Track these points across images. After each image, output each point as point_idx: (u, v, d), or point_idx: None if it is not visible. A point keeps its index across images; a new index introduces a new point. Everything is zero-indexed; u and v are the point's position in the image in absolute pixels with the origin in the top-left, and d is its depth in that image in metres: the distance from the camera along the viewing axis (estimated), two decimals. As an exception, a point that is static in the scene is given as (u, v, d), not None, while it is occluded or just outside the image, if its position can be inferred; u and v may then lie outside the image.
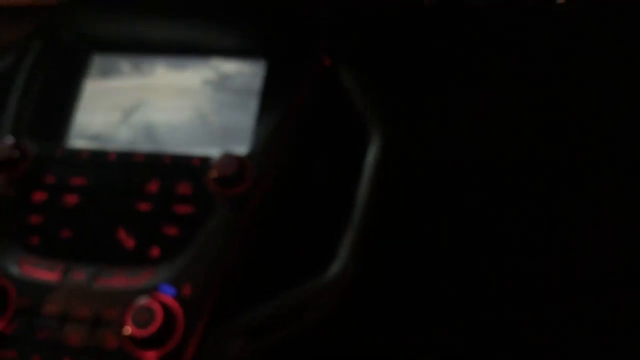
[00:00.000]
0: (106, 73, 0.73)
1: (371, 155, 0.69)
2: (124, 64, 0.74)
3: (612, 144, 0.76)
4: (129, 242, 0.65)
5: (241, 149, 0.68)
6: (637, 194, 0.75)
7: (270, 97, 0.71)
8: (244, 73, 0.72)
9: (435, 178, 0.76)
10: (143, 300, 0.61)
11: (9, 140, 0.68)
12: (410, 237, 0.75)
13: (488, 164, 0.77)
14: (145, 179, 0.67)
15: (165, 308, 0.61)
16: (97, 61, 0.74)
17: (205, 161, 0.67)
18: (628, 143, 0.76)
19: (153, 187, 0.67)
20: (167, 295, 0.62)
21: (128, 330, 0.60)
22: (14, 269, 0.65)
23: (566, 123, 0.76)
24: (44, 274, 0.64)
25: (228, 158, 0.65)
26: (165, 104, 0.72)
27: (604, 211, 0.76)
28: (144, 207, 0.66)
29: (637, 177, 0.75)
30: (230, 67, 0.73)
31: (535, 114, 0.77)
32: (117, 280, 0.63)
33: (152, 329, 0.60)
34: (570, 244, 0.76)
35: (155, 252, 0.65)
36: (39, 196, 0.68)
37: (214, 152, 0.68)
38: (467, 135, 0.76)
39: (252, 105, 0.70)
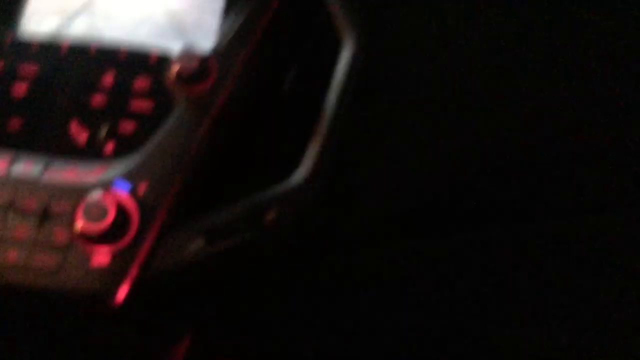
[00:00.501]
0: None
1: (341, 62, 0.66)
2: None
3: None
4: (82, 136, 0.62)
5: (205, 45, 0.64)
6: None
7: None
8: None
9: (403, 89, 0.73)
10: (96, 195, 0.58)
11: None
12: (375, 146, 0.73)
13: (460, 79, 0.75)
14: (100, 72, 0.63)
15: (119, 203, 0.58)
16: None
17: (165, 56, 0.64)
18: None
19: (108, 80, 0.63)
20: (122, 191, 0.59)
21: (79, 224, 0.57)
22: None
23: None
24: None
25: (189, 53, 0.62)
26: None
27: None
28: (98, 100, 0.62)
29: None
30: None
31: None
32: (69, 174, 0.60)
33: (105, 223, 0.57)
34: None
35: (109, 147, 0.61)
36: (-15, 83, 0.63)
37: (175, 47, 0.64)
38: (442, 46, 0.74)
39: (217, 3, 0.67)
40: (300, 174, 0.62)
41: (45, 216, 0.58)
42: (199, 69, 0.61)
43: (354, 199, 0.72)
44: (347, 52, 0.67)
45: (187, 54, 0.61)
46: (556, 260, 0.70)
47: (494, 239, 0.71)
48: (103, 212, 0.57)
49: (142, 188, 0.59)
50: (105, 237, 0.57)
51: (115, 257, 0.57)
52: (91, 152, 0.61)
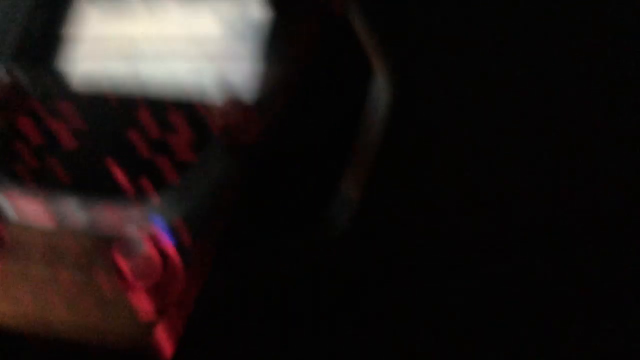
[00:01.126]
0: (105, 10, 0.70)
1: (376, 99, 0.67)
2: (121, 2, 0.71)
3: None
4: (124, 178, 0.63)
5: (244, 94, 0.65)
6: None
7: (276, 40, 0.68)
8: (250, 15, 0.69)
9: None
10: (139, 241, 0.59)
11: (2, 71, 0.65)
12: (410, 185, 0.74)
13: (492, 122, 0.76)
14: (142, 115, 0.65)
15: (161, 249, 0.59)
16: None
17: (206, 105, 0.65)
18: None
19: (149, 123, 0.64)
20: (164, 236, 0.60)
21: (123, 271, 0.58)
22: (3, 203, 0.62)
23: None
24: (34, 209, 0.62)
25: (232, 102, 0.63)
26: (166, 42, 0.69)
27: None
28: (139, 143, 0.64)
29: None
30: (235, 8, 0.70)
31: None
32: (111, 218, 0.61)
33: (150, 272, 0.58)
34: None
35: (150, 190, 0.62)
36: (26, 123, 0.65)
37: (216, 93, 0.65)
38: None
39: (256, 49, 0.68)
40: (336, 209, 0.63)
41: (88, 263, 0.59)
42: (240, 120, 0.62)
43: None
44: (383, 88, 0.68)
45: (230, 103, 0.63)
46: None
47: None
48: (147, 261, 0.58)
49: (184, 233, 0.60)
50: (147, 284, 0.58)
51: (158, 306, 0.58)
52: (133, 195, 0.62)
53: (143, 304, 0.58)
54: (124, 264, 0.58)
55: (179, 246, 0.60)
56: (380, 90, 0.67)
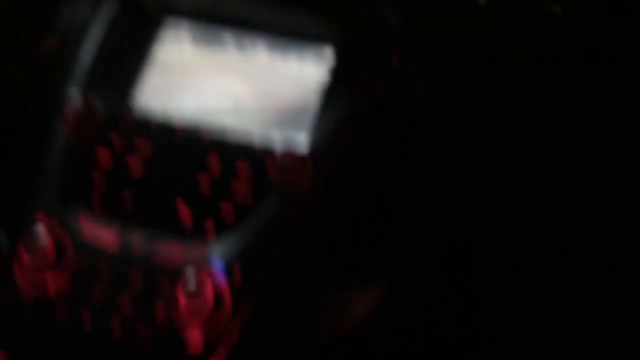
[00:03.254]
0: (176, 40, 0.74)
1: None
2: (193, 32, 0.75)
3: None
4: (187, 215, 0.67)
5: (302, 136, 0.69)
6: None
7: (335, 87, 0.72)
8: (311, 59, 0.73)
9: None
10: (195, 276, 0.63)
11: (79, 95, 0.70)
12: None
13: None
14: (207, 155, 0.69)
15: (216, 286, 0.63)
16: (168, 25, 0.75)
17: (268, 148, 0.68)
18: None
19: (214, 163, 0.68)
20: (219, 274, 0.64)
21: (179, 303, 0.62)
22: (73, 222, 0.67)
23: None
24: (101, 230, 0.66)
25: (290, 156, 0.67)
26: (229, 79, 0.73)
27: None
28: (204, 182, 0.68)
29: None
30: (298, 50, 0.74)
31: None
32: (172, 251, 0.65)
33: (202, 305, 0.62)
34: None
35: (210, 228, 0.67)
36: (103, 155, 0.69)
37: (276, 136, 0.69)
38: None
39: (315, 93, 0.71)
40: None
41: (148, 292, 0.64)
42: (298, 170, 0.66)
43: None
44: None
45: (288, 157, 0.67)
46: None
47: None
48: (201, 295, 0.62)
49: (237, 272, 0.64)
50: (200, 319, 0.62)
51: (207, 341, 0.62)
52: (194, 232, 0.67)
53: (194, 338, 0.63)
54: (182, 299, 0.63)
55: (233, 287, 0.64)
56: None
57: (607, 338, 0.73)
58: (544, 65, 0.76)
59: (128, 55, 0.73)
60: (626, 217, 0.75)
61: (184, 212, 0.67)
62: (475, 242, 0.76)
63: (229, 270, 0.65)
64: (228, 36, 0.75)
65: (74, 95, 0.70)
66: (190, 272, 0.63)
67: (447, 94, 0.76)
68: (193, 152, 0.69)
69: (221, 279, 0.64)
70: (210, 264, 0.65)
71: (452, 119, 0.76)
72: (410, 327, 0.73)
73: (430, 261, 0.72)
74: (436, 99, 0.76)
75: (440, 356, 0.75)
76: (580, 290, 0.75)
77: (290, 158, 0.66)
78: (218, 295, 0.63)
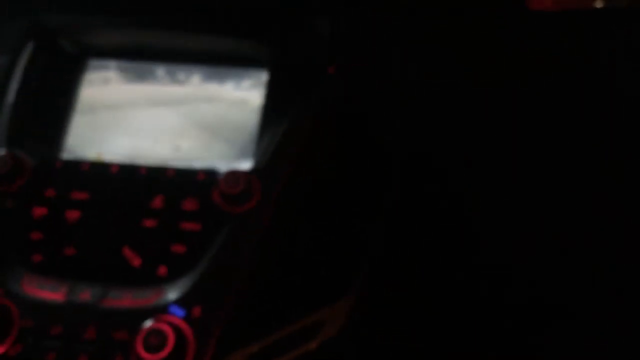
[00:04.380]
0: (103, 81, 0.71)
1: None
2: (121, 71, 0.72)
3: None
4: (135, 261, 0.64)
5: (246, 162, 0.66)
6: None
7: (274, 108, 0.69)
8: (247, 83, 0.70)
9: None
10: (153, 323, 0.59)
11: (5, 151, 0.66)
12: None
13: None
14: (149, 194, 0.65)
15: (177, 330, 0.59)
16: (93, 67, 0.72)
17: (210, 175, 0.66)
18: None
19: (158, 202, 0.65)
20: (178, 317, 0.61)
21: (139, 353, 0.59)
22: (17, 288, 0.63)
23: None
24: (48, 293, 0.62)
25: (234, 175, 0.64)
26: (164, 114, 0.70)
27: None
28: (149, 223, 0.64)
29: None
30: (232, 77, 0.71)
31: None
32: (125, 301, 0.62)
33: (164, 353, 0.58)
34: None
35: (162, 270, 0.63)
36: (40, 211, 0.65)
37: (218, 165, 0.66)
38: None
39: (255, 117, 0.69)
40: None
41: (104, 345, 0.60)
42: (244, 189, 0.63)
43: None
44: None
45: (232, 176, 0.63)
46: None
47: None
48: (161, 341, 0.59)
49: (197, 312, 0.61)
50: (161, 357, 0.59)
51: None
52: (145, 276, 0.63)
53: None
54: (142, 352, 0.59)
55: (195, 329, 0.60)
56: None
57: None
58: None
59: (53, 102, 0.70)
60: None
61: (134, 260, 0.64)
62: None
63: (188, 313, 0.61)
64: (160, 70, 0.72)
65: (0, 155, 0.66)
66: (148, 324, 0.60)
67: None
68: (134, 195, 0.66)
69: (181, 323, 0.60)
70: (168, 311, 0.61)
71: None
72: (384, 341, 0.70)
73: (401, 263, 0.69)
74: (381, 105, 0.74)
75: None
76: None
77: (233, 176, 0.63)
78: (180, 341, 0.59)
